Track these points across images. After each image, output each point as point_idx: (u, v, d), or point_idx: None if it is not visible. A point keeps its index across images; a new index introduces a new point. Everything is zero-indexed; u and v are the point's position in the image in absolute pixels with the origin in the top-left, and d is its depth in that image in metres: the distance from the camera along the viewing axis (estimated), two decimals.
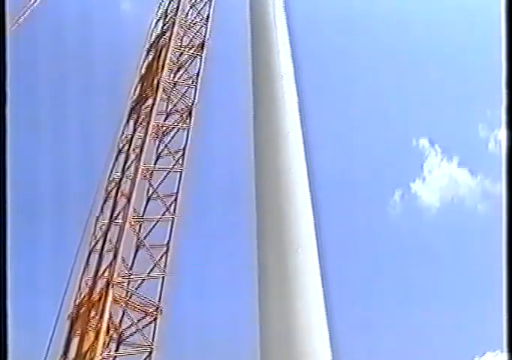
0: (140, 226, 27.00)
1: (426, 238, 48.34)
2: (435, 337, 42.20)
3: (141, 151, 27.47)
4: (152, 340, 24.59)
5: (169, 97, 28.88)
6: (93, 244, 26.93)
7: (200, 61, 29.69)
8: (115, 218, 26.84)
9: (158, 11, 31.33)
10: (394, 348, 40.91)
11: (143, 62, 30.37)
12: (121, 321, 25.38)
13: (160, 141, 28.48)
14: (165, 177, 27.92)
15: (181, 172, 27.63)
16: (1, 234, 7.24)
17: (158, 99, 28.22)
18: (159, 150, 28.45)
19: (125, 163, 28.18)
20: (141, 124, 28.62)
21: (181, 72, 29.68)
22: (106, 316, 24.06)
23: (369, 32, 52.32)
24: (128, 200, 26.56)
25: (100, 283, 25.22)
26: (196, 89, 29.02)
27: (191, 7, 30.72)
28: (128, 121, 29.30)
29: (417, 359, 43.33)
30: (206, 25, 30.36)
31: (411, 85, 52.02)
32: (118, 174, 27.98)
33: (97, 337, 23.84)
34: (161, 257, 26.16)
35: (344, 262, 39.15)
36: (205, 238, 40.33)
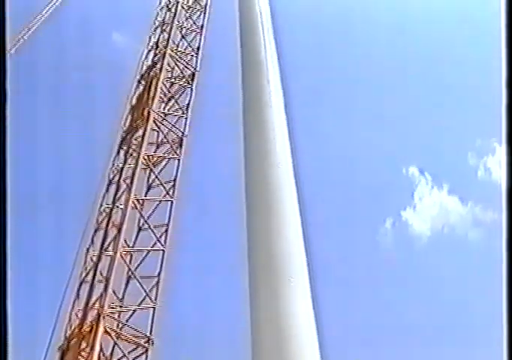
0: (131, 256, 26.90)
1: (417, 268, 48.31)
2: None
3: (132, 181, 27.46)
4: None
5: (159, 127, 28.98)
6: (84, 275, 26.75)
7: (191, 91, 29.92)
8: (106, 249, 26.71)
9: (149, 42, 31.57)
10: None
11: (134, 93, 30.53)
12: (112, 353, 25.13)
13: (150, 171, 28.49)
14: (156, 207, 27.92)
15: (172, 203, 27.64)
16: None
17: (148, 129, 28.30)
18: (150, 180, 28.47)
19: (116, 193, 28.14)
20: (132, 154, 28.67)
21: (171, 102, 29.86)
22: (97, 348, 23.81)
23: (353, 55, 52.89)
24: (119, 231, 26.47)
25: (91, 315, 25.00)
26: (186, 120, 29.20)
27: (182, 38, 31.02)
28: (118, 152, 29.33)
29: None
30: (196, 55, 30.64)
31: (398, 114, 52.44)
32: (109, 205, 27.93)
33: None
34: (152, 288, 26.03)
35: (336, 292, 38.99)
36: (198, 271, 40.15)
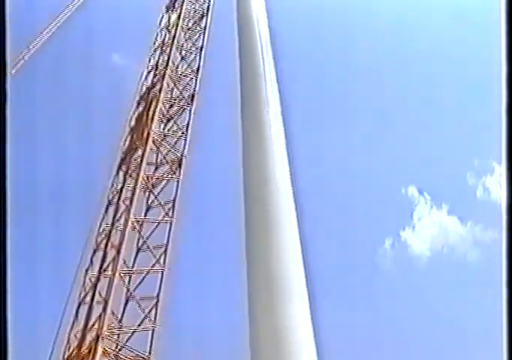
0: (130, 277, 26.84)
1: (417, 288, 48.11)
2: None
3: (131, 202, 27.46)
4: None
5: (158, 148, 29.01)
6: (82, 296, 26.68)
7: (190, 112, 30.00)
8: (105, 270, 26.66)
9: (148, 63, 31.67)
10: None
11: (133, 114, 30.59)
12: None
13: (150, 192, 28.49)
14: (155, 228, 27.89)
15: (171, 224, 27.61)
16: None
17: (147, 150, 28.34)
18: (149, 201, 28.46)
19: (115, 214, 28.11)
20: (131, 175, 28.67)
21: (171, 123, 29.92)
22: None
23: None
24: (118, 252, 26.44)
25: (90, 336, 24.91)
26: (185, 141, 29.24)
27: (181, 59, 31.14)
28: (117, 173, 29.33)
29: None
30: (196, 76, 30.74)
31: (397, 135, 52.56)
32: (108, 225, 27.90)
33: None
34: (151, 309, 25.94)
35: (336, 311, 38.82)
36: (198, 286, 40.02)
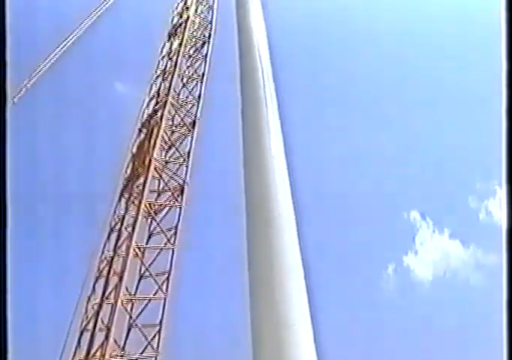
0: (133, 305, 26.78)
1: (420, 313, 47.87)
2: None
3: (133, 229, 27.48)
4: None
5: (160, 175, 29.09)
6: (85, 323, 26.59)
7: (192, 139, 30.11)
8: (107, 297, 26.60)
9: (150, 91, 31.84)
10: None
11: (135, 141, 30.70)
12: None
13: (152, 219, 28.52)
14: (157, 255, 27.88)
15: (173, 251, 27.61)
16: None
17: (149, 177, 28.42)
18: (151, 228, 28.49)
19: (117, 241, 28.12)
20: (133, 202, 28.70)
21: (172, 150, 30.02)
22: None
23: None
24: (120, 279, 26.40)
25: None
26: (187, 167, 29.33)
27: (183, 87, 31.30)
28: (119, 200, 29.37)
29: None
30: (197, 103, 30.91)
31: (398, 159, 52.66)
32: (110, 253, 27.89)
33: None
34: (154, 337, 25.84)
35: (339, 338, 38.62)
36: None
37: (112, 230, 28.63)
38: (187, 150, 30.00)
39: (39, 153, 41.55)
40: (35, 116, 39.56)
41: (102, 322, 25.91)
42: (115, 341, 25.26)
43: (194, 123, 30.49)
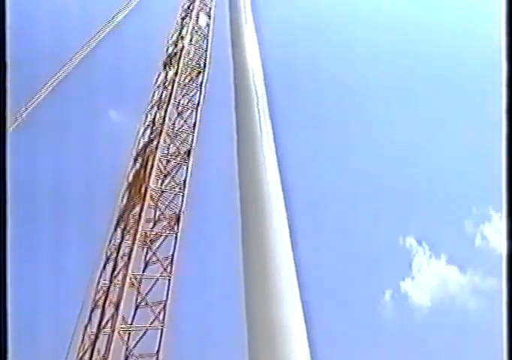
0: (129, 334, 26.61)
1: (418, 339, 47.66)
2: None
3: (129, 258, 27.42)
4: None
5: (156, 204, 29.09)
6: (81, 354, 26.41)
7: (187, 168, 30.16)
8: (104, 327, 26.46)
9: (145, 120, 31.96)
10: None
11: (131, 170, 30.73)
12: None
13: (148, 248, 28.46)
14: (154, 285, 27.77)
15: (169, 279, 27.51)
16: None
17: (145, 206, 28.42)
18: (147, 257, 28.41)
19: (113, 270, 28.02)
20: (129, 231, 28.66)
21: (168, 179, 30.05)
22: None
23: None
24: (117, 309, 26.28)
25: None
26: (183, 196, 29.33)
27: (178, 116, 31.43)
28: (115, 229, 29.33)
29: None
30: (192, 132, 31.01)
31: (393, 186, 52.80)
32: (106, 282, 27.78)
33: None
34: None
35: None
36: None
37: (108, 259, 28.55)
38: (182, 179, 30.04)
39: (34, 179, 41.54)
40: (31, 144, 39.65)
41: (99, 352, 25.73)
42: None
43: (189, 152, 30.56)
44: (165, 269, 27.76)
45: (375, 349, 45.77)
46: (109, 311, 26.75)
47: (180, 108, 31.65)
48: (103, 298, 27.41)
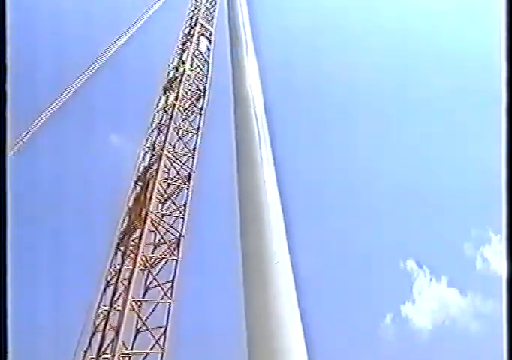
0: (130, 359, 26.46)
1: None
2: None
3: (129, 282, 27.32)
4: None
5: (157, 228, 29.05)
6: None
7: (187, 192, 30.18)
8: (104, 352, 26.31)
9: (145, 144, 32.04)
10: None
11: (131, 194, 30.74)
12: None
13: (148, 272, 28.39)
14: (154, 309, 27.67)
15: (170, 304, 27.41)
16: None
17: (145, 230, 28.38)
18: (147, 282, 28.32)
19: (113, 295, 27.92)
20: (129, 255, 28.60)
21: (168, 203, 30.06)
22: None
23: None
24: (117, 333, 26.14)
25: None
26: (184, 220, 29.32)
27: (178, 140, 31.53)
28: (115, 253, 29.27)
29: None
30: (193, 156, 31.07)
31: (392, 207, 52.83)
32: (106, 307, 27.67)
33: None
34: None
35: None
36: None
37: (108, 284, 28.45)
38: (183, 203, 30.04)
39: (34, 203, 41.59)
40: (33, 170, 39.76)
41: None
42: None
43: (189, 176, 30.61)
44: (166, 293, 27.67)
45: None
46: (110, 336, 26.61)
47: (180, 132, 31.76)
48: (103, 322, 27.28)
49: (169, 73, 34.04)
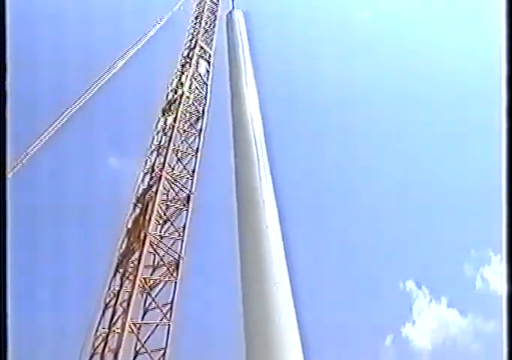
0: None
1: None
2: None
3: (128, 305, 27.19)
4: None
5: (156, 250, 28.98)
6: None
7: (187, 213, 30.15)
8: None
9: (145, 165, 32.09)
10: None
11: (130, 216, 30.72)
12: None
13: (147, 295, 28.28)
14: (153, 331, 27.53)
15: (169, 326, 27.27)
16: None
17: (144, 252, 28.29)
18: (146, 304, 28.22)
19: (112, 317, 27.80)
20: (128, 277, 28.51)
21: (167, 225, 30.02)
22: None
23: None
24: (116, 356, 25.97)
25: None
26: (183, 242, 29.26)
27: (177, 161, 31.59)
28: (114, 275, 29.19)
29: None
30: (192, 178, 31.10)
31: (391, 227, 52.82)
32: (105, 329, 27.54)
33: None
34: None
35: None
36: None
37: (107, 306, 28.34)
38: (182, 224, 30.01)
39: (33, 226, 41.57)
40: (32, 192, 39.80)
41: None
42: None
43: (188, 197, 30.61)
44: (165, 316, 27.55)
45: None
46: (109, 359, 26.45)
47: (179, 154, 31.83)
48: (102, 345, 27.13)
49: (168, 94, 34.20)
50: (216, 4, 39.42)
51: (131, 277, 28.14)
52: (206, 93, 34.15)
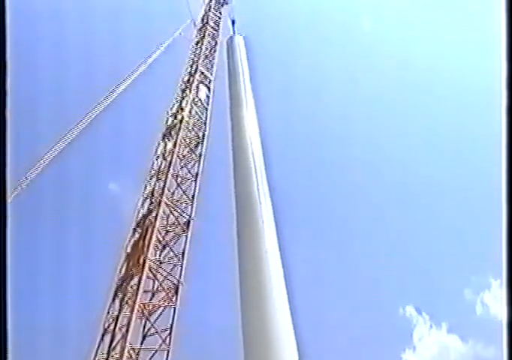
0: None
1: None
2: None
3: (127, 330, 27.09)
4: None
5: (155, 275, 28.93)
6: None
7: (186, 239, 30.13)
8: None
9: (144, 191, 32.12)
10: None
11: (129, 241, 30.70)
12: None
13: (146, 320, 28.17)
14: (152, 356, 27.41)
15: (168, 352, 27.16)
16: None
17: (144, 277, 28.24)
18: (145, 329, 28.10)
19: (111, 342, 27.68)
20: (127, 302, 28.44)
21: (167, 250, 29.99)
22: None
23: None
24: None
25: None
26: (182, 267, 29.21)
27: (177, 186, 31.63)
28: (113, 300, 29.11)
29: None
30: (191, 203, 31.12)
31: (391, 251, 52.75)
32: (104, 354, 27.41)
33: None
34: None
35: None
36: None
37: (105, 331, 28.23)
38: (181, 250, 29.98)
39: (34, 253, 41.52)
40: (33, 215, 39.84)
41: None
42: None
43: (188, 223, 30.61)
44: (164, 341, 27.44)
45: None
46: None
47: (179, 179, 31.88)
48: None
49: (168, 120, 34.34)
50: (217, 30, 39.71)
51: (130, 302, 28.06)
52: (206, 118, 34.30)
